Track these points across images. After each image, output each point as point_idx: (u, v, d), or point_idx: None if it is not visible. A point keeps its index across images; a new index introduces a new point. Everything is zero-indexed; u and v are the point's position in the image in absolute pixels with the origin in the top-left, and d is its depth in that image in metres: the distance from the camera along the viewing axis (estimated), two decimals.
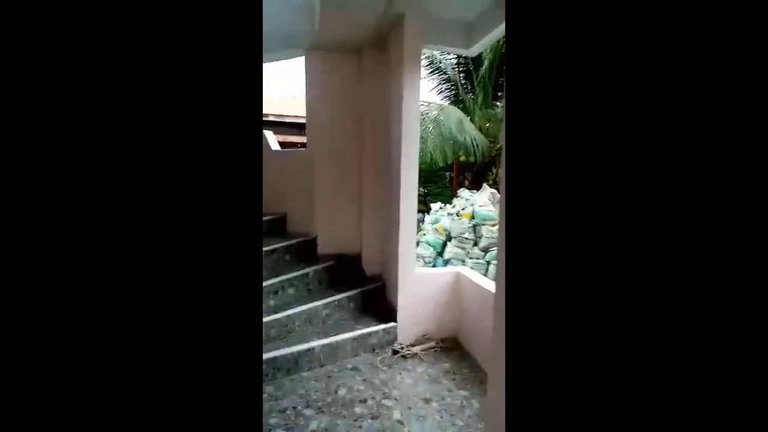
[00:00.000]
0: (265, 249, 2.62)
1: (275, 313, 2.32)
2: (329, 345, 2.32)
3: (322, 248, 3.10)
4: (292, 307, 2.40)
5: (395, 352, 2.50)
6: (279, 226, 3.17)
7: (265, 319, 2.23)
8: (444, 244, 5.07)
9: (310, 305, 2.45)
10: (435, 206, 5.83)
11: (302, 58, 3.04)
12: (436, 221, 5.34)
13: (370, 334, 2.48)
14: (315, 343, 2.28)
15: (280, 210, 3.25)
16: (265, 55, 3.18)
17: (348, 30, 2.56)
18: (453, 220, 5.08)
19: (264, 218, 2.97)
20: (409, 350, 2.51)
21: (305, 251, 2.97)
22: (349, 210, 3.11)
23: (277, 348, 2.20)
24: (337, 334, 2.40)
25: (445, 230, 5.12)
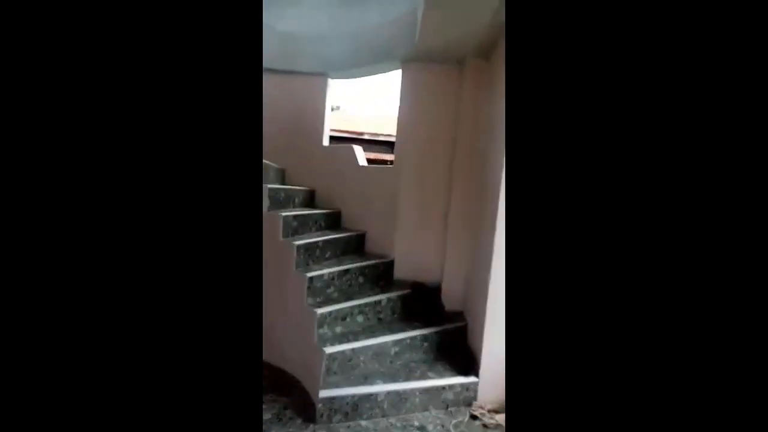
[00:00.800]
0: (339, 269, 2.42)
1: (341, 343, 2.08)
2: (395, 393, 1.97)
3: (398, 273, 2.81)
4: (359, 339, 2.13)
5: (474, 417, 2.03)
6: (357, 245, 2.98)
7: (329, 350, 1.99)
8: None
9: (379, 340, 2.14)
10: None
11: (397, 77, 2.86)
12: None
13: (444, 387, 2.06)
14: (379, 389, 1.95)
15: (359, 227, 3.07)
16: (363, 69, 3.11)
17: (451, 37, 2.29)
18: None
19: (342, 235, 2.81)
20: (492, 418, 2.02)
21: (381, 274, 2.71)
22: (432, 234, 2.78)
23: (337, 385, 1.94)
24: (406, 380, 2.04)
25: None
